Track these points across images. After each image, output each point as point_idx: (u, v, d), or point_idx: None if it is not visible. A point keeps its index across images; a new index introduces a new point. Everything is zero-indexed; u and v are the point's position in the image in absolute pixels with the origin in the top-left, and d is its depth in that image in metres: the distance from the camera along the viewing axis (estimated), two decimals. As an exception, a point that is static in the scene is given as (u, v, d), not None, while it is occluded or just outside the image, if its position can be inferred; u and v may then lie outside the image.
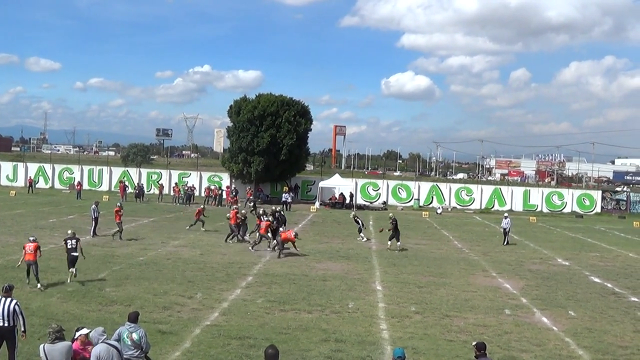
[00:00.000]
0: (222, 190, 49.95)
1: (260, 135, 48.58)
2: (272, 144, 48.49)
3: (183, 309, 15.16)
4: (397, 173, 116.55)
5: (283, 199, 46.34)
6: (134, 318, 9.56)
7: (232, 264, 21.73)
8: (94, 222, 26.88)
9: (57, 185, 56.18)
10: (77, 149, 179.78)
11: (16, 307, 10.22)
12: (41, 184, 55.46)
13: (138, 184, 51.17)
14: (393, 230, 26.84)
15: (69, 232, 18.98)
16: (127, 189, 48.55)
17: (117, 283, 17.64)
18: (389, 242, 26.88)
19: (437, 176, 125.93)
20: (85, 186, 52.93)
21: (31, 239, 17.43)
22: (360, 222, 30.26)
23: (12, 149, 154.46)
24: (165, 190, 50.40)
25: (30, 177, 54.41)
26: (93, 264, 20.18)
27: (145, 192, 49.56)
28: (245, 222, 28.40)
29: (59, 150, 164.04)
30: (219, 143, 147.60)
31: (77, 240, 18.23)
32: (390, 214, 29.95)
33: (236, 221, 27.24)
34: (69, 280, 17.54)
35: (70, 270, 17.70)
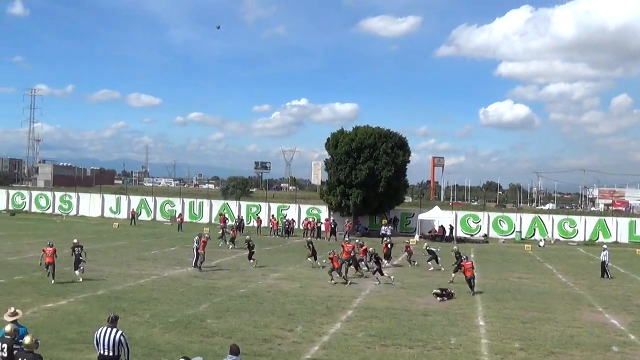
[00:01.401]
0: (321, 223, 49.96)
1: (359, 168, 48.52)
2: (370, 177, 48.31)
3: (284, 342, 14.95)
4: (468, 202, 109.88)
5: (382, 232, 45.72)
6: (236, 351, 9.42)
7: (332, 297, 21.43)
8: (196, 254, 27.26)
9: (159, 218, 57.91)
10: (177, 182, 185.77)
11: (122, 337, 10.27)
12: (143, 217, 57.35)
13: (239, 216, 52.03)
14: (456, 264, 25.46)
15: (75, 241, 23.07)
16: (227, 221, 49.40)
17: (218, 315, 17.67)
18: (453, 275, 25.61)
19: (536, 206, 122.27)
20: (187, 219, 54.26)
21: (49, 244, 21.75)
22: (433, 252, 29.81)
23: (115, 182, 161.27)
24: (265, 224, 50.90)
25: (133, 209, 56.51)
26: (195, 296, 20.43)
27: (246, 224, 50.19)
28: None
29: (160, 184, 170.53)
30: (317, 176, 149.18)
31: (81, 247, 22.49)
32: (455, 247, 28.71)
33: (348, 255, 26.63)
34: (81, 280, 21.64)
35: (75, 272, 21.94)
